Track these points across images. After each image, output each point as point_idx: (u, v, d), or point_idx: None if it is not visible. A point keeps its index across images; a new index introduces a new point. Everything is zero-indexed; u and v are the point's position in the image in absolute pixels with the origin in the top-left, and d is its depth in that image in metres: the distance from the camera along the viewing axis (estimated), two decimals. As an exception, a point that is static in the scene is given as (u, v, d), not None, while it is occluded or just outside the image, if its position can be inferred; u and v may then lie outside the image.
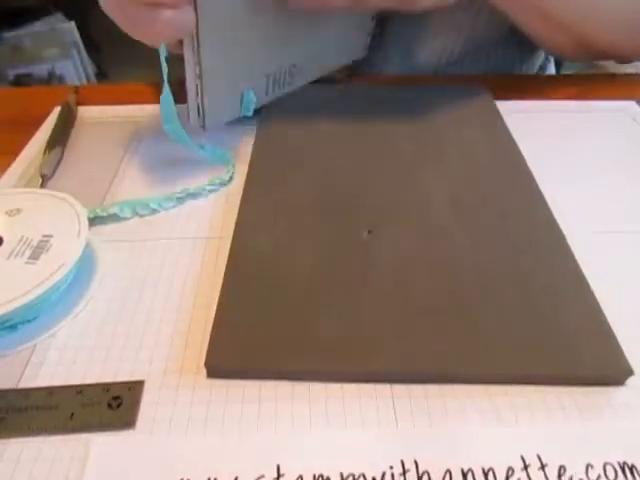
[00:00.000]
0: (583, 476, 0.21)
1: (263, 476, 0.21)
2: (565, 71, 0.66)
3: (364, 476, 0.21)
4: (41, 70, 1.32)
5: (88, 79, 1.39)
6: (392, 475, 0.21)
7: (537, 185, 0.34)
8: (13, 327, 0.27)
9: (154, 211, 0.34)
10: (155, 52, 0.33)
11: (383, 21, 0.47)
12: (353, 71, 0.47)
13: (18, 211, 0.30)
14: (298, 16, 0.37)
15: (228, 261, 0.29)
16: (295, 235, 0.31)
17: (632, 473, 0.21)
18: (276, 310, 0.26)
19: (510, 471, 0.21)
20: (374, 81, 0.49)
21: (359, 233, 0.31)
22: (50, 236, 0.28)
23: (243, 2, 0.34)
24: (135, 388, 0.24)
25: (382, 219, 0.32)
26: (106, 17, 0.34)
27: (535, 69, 0.59)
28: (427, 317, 0.26)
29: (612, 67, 0.50)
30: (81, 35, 1.33)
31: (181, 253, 0.31)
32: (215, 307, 0.27)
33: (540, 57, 0.59)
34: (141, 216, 0.34)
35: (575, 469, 0.21)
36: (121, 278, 0.30)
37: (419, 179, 0.35)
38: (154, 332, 0.27)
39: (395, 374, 0.24)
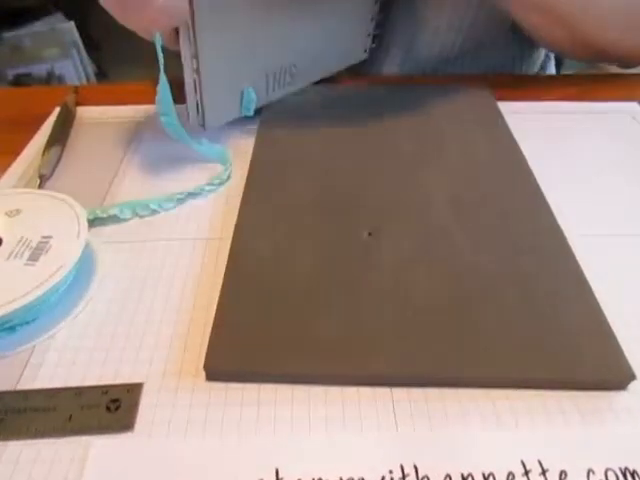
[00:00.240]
0: (584, 481, 0.21)
1: (262, 479, 0.21)
2: (565, 71, 0.66)
3: (363, 480, 0.21)
4: (41, 70, 1.32)
5: (88, 79, 1.39)
6: (391, 479, 0.21)
7: (538, 185, 0.34)
8: (12, 328, 0.27)
9: (154, 212, 0.34)
10: (154, 51, 0.33)
11: (383, 21, 0.47)
12: (354, 70, 0.47)
13: (17, 212, 0.30)
14: (297, 13, 0.37)
15: (228, 263, 0.29)
16: (295, 236, 0.31)
17: (634, 478, 0.21)
18: (276, 312, 0.26)
19: (510, 476, 0.21)
20: (374, 81, 0.49)
21: (359, 234, 0.31)
22: (49, 237, 0.28)
23: None
24: (134, 390, 0.24)
25: (382, 220, 0.32)
26: (106, 16, 0.34)
27: (536, 68, 0.59)
28: (427, 319, 0.26)
29: (613, 67, 0.50)
30: (81, 35, 1.33)
31: (181, 254, 0.31)
32: (215, 309, 0.27)
33: (541, 55, 0.59)
34: (141, 217, 0.34)
35: (576, 474, 0.21)
36: (121, 279, 0.30)
37: (419, 179, 0.35)
38: (153, 333, 0.27)
39: (395, 377, 0.24)
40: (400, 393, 0.24)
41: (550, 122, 0.42)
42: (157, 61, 0.33)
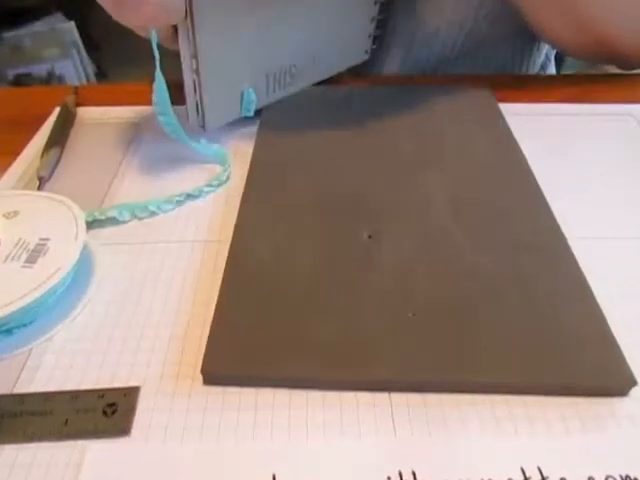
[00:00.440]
0: (584, 488, 0.20)
1: (259, 485, 0.21)
2: (565, 71, 0.65)
3: (362, 486, 0.21)
4: (41, 70, 1.32)
5: (88, 79, 1.39)
6: (390, 485, 0.21)
7: (538, 186, 0.34)
8: (9, 331, 0.26)
9: (153, 214, 0.34)
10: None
11: (383, 21, 0.47)
12: (354, 71, 0.47)
13: (15, 213, 0.30)
14: (297, 14, 0.37)
15: (226, 265, 0.29)
16: (295, 237, 0.30)
17: (634, 485, 0.21)
18: (274, 316, 0.26)
19: (510, 483, 0.21)
20: (374, 81, 0.49)
21: (359, 234, 0.31)
22: (47, 239, 0.28)
23: None
24: (131, 394, 0.24)
25: (382, 220, 0.32)
26: (106, 16, 0.33)
27: (536, 68, 0.59)
28: (426, 321, 0.26)
29: (612, 68, 0.49)
30: (81, 35, 1.33)
31: (180, 256, 0.31)
32: (213, 312, 0.26)
33: (541, 56, 0.58)
34: (140, 219, 0.34)
35: (576, 481, 0.21)
36: (119, 281, 0.29)
37: (420, 180, 0.35)
38: (151, 336, 0.27)
39: (394, 383, 0.24)
40: (399, 398, 0.24)
41: (551, 124, 0.42)
42: (153, 58, 0.32)
